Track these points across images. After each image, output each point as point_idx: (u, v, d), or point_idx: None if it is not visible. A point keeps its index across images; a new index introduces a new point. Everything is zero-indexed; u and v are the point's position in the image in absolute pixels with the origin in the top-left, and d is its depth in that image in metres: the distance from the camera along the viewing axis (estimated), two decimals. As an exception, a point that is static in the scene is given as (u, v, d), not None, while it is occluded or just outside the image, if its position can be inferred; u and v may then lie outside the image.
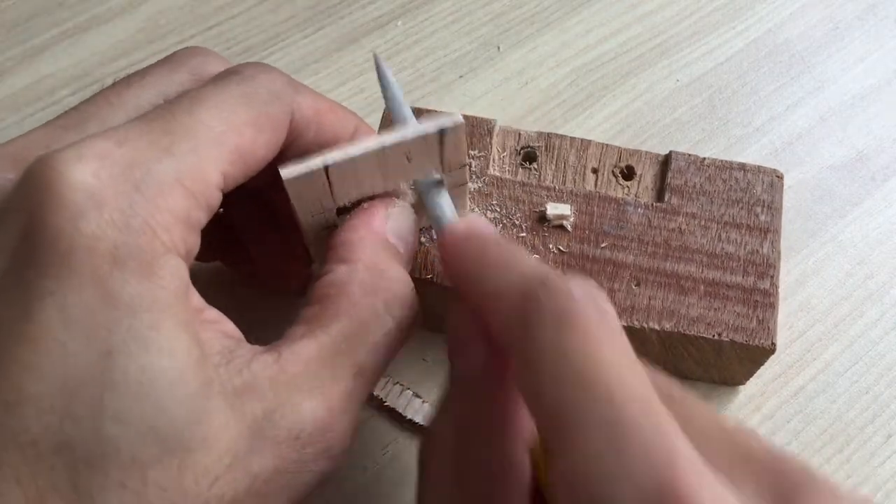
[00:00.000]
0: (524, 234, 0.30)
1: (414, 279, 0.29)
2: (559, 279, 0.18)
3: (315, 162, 0.23)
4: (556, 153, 0.32)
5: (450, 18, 0.41)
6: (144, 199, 0.18)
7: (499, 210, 0.30)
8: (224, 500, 0.18)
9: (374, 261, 0.23)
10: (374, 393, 0.31)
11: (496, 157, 0.32)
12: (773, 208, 0.31)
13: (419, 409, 0.31)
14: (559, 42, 0.41)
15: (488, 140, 0.32)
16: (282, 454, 0.19)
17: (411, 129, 0.24)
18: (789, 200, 0.32)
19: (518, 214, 0.30)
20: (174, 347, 0.18)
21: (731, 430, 0.19)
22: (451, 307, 0.21)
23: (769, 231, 0.30)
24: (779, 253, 0.30)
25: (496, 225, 0.30)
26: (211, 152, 0.20)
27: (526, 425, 0.19)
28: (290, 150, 0.24)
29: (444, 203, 0.25)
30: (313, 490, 0.21)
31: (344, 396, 0.20)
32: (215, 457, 0.18)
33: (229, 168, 0.21)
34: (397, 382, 0.32)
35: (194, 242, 0.20)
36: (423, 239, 0.29)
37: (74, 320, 0.17)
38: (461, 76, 0.40)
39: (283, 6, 0.41)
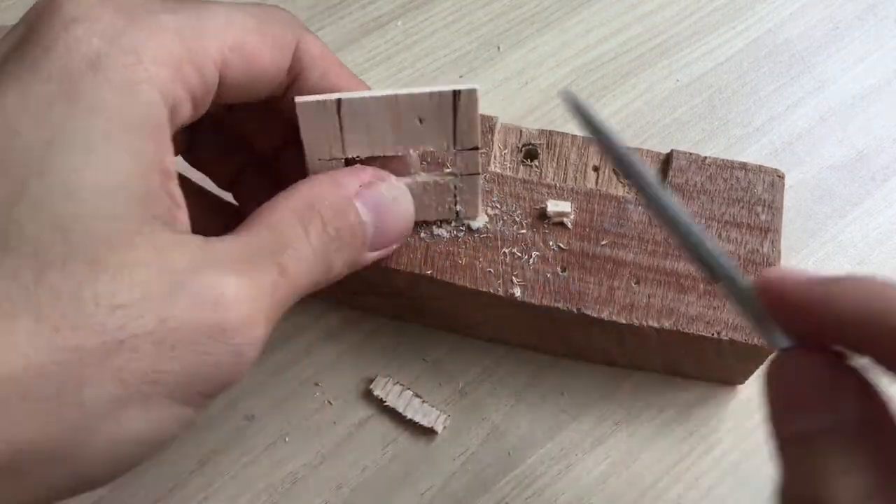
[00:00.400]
0: (524, 231, 0.30)
1: (413, 275, 0.29)
2: None
3: (328, 96, 0.24)
4: (557, 151, 0.32)
5: (450, 18, 0.41)
6: (139, 29, 0.19)
7: (499, 207, 0.30)
8: (123, 330, 0.17)
9: (319, 202, 0.23)
10: (375, 393, 0.31)
11: (497, 154, 0.32)
12: (774, 208, 0.31)
13: (419, 409, 0.31)
14: (559, 42, 0.41)
15: (490, 137, 0.32)
16: (197, 315, 0.18)
17: (427, 88, 0.25)
18: (789, 200, 0.32)
19: (518, 211, 0.30)
20: (119, 166, 0.18)
21: None
22: (793, 358, 0.19)
23: (769, 230, 0.30)
24: (779, 252, 0.30)
25: (496, 222, 0.30)
26: (213, 31, 0.21)
27: None
28: (296, 85, 0.24)
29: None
30: (208, 398, 0.20)
31: (267, 288, 0.20)
32: (124, 286, 0.18)
33: (229, 55, 0.21)
34: (397, 382, 0.32)
35: (183, 100, 0.20)
36: (422, 234, 0.29)
37: (31, 107, 0.17)
38: (461, 76, 0.40)
39: (283, 6, 0.41)
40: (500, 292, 0.29)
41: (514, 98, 0.39)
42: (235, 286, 0.19)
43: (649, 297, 0.29)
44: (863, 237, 0.36)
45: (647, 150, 0.32)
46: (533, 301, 0.29)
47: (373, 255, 0.25)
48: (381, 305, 0.32)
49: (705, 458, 0.31)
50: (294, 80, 0.24)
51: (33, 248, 0.17)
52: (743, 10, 0.42)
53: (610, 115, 0.39)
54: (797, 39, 0.41)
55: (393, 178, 0.26)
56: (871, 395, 0.18)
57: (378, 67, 0.39)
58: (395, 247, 0.27)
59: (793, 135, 0.38)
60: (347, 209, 0.23)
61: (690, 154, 0.31)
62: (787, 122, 0.39)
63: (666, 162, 0.32)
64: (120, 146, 0.18)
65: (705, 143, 0.38)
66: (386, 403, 0.31)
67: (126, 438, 0.18)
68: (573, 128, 0.33)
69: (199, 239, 0.20)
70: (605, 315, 0.29)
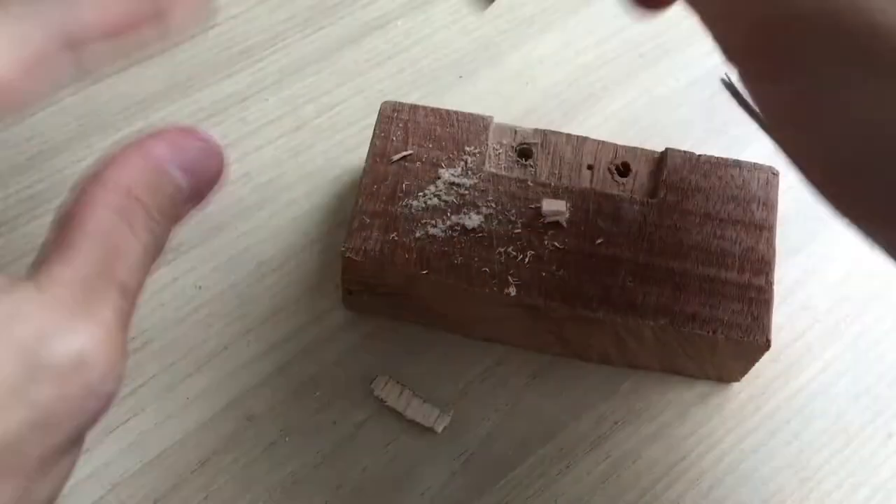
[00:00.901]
0: (519, 231, 0.30)
1: (409, 275, 0.29)
2: None
3: None
4: (551, 150, 0.32)
5: (450, 18, 0.41)
6: None
7: (494, 206, 0.30)
8: (3, 434, 0.16)
9: (135, 186, 0.20)
10: (375, 393, 0.31)
11: (492, 154, 0.32)
12: (769, 205, 0.31)
13: (419, 409, 0.31)
14: (559, 42, 0.41)
15: (484, 136, 0.32)
16: (65, 391, 0.17)
17: None
18: (789, 200, 0.32)
19: (513, 211, 0.30)
20: None
21: None
22: None
23: (764, 228, 0.30)
24: (774, 250, 0.30)
25: (491, 221, 0.30)
26: None
27: None
28: None
29: None
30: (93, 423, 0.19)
31: (115, 322, 0.19)
32: None
33: None
34: (397, 382, 0.32)
35: None
36: (418, 234, 0.29)
37: None
38: (461, 76, 0.40)
39: (284, 6, 0.41)
40: (496, 291, 0.29)
41: (514, 98, 0.39)
42: (89, 338, 0.18)
43: (645, 296, 0.29)
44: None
45: (642, 149, 0.32)
46: (529, 300, 0.29)
47: (188, 209, 0.22)
48: (379, 306, 0.32)
49: (705, 458, 0.31)
50: None
51: None
52: (743, 10, 0.42)
53: (610, 115, 0.39)
54: (797, 39, 0.41)
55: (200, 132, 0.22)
56: None
57: (378, 67, 0.40)
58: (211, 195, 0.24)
59: (793, 135, 0.38)
60: (164, 183, 0.21)
61: (685, 152, 0.32)
62: (787, 122, 0.39)
63: (660, 161, 0.32)
64: None
65: (705, 142, 0.38)
66: (386, 403, 0.31)
67: None
68: (572, 129, 0.34)
69: (30, 291, 0.18)
70: (601, 314, 0.29)
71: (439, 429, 0.31)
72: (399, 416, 0.31)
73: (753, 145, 0.38)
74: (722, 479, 0.31)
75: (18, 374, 0.17)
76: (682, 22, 0.42)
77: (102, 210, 0.19)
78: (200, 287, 0.34)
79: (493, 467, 0.31)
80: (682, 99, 0.39)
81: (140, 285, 0.20)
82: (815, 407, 0.32)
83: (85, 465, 0.30)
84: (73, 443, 0.18)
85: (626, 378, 0.32)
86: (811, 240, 0.36)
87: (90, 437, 0.31)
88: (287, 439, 0.31)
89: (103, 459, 0.30)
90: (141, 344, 0.33)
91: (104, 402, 0.18)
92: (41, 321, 0.17)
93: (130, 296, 0.19)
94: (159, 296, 0.34)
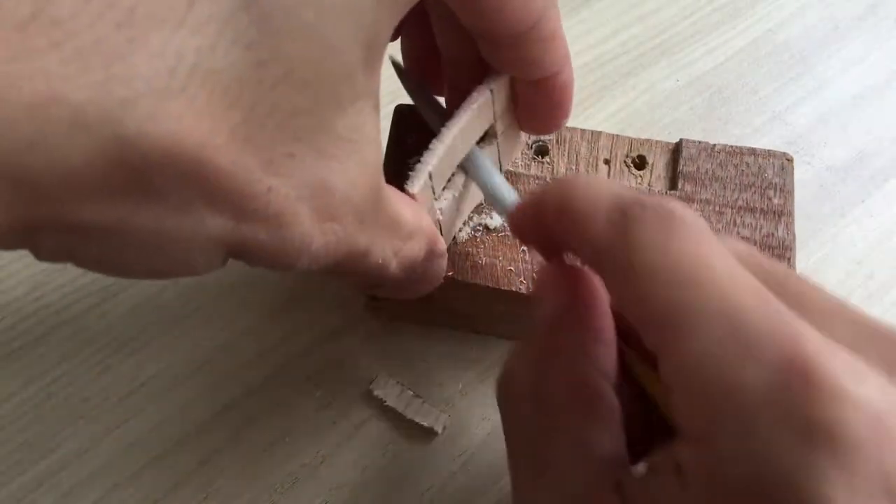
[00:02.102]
0: None
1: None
2: (652, 196, 0.18)
3: (423, 173, 0.24)
4: (567, 146, 0.32)
5: (450, 18, 0.41)
6: None
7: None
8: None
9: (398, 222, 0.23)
10: (375, 393, 0.31)
11: None
12: (786, 191, 0.31)
13: (419, 409, 0.31)
14: (559, 42, 0.41)
15: None
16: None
17: (468, 107, 0.25)
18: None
19: None
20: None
21: (851, 310, 0.19)
22: (539, 269, 0.23)
23: (783, 214, 0.30)
24: (794, 235, 0.30)
25: None
26: None
27: (606, 355, 0.20)
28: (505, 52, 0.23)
29: (500, 180, 0.26)
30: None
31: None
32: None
33: None
34: (397, 382, 0.32)
35: None
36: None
37: None
38: (461, 76, 0.40)
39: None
40: (523, 290, 0.29)
41: (514, 98, 0.39)
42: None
43: None
44: (863, 237, 0.36)
45: (656, 141, 0.32)
46: None
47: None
48: (404, 311, 0.32)
49: (705, 458, 0.31)
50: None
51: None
52: (743, 10, 0.42)
53: (610, 114, 0.39)
54: (797, 39, 0.41)
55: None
56: (569, 290, 0.21)
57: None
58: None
59: (793, 135, 0.38)
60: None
61: (699, 142, 0.32)
62: (787, 122, 0.39)
63: (675, 151, 0.32)
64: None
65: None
66: (386, 403, 0.31)
67: None
68: (580, 122, 0.33)
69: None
70: None
71: (439, 429, 0.31)
72: (399, 416, 0.31)
73: (753, 145, 0.38)
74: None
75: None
76: (682, 22, 0.42)
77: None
78: (200, 287, 0.34)
79: (493, 467, 0.31)
80: (682, 99, 0.39)
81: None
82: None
83: (85, 465, 0.30)
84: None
85: (626, 378, 0.32)
86: (811, 240, 0.36)
87: (90, 437, 0.31)
88: (287, 439, 0.31)
89: (103, 459, 0.30)
90: (141, 344, 0.33)
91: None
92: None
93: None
94: (159, 296, 0.34)
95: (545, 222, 0.21)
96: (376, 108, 0.19)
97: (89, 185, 0.14)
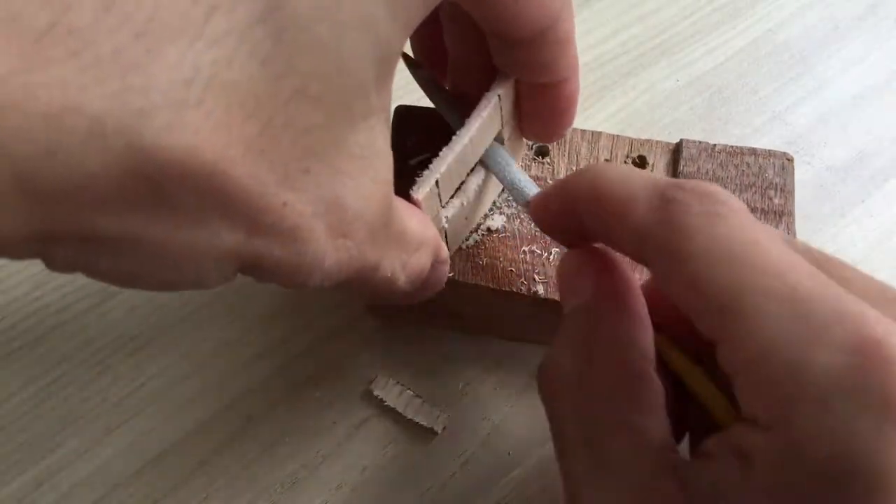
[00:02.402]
0: None
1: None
2: (690, 181, 0.18)
3: (429, 180, 0.24)
4: (567, 146, 0.32)
5: (450, 18, 0.41)
6: None
7: (515, 205, 0.30)
8: None
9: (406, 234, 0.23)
10: (375, 393, 0.31)
11: None
12: (786, 191, 0.31)
13: (419, 409, 0.31)
14: (559, 42, 0.41)
15: None
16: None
17: (477, 115, 0.25)
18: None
19: None
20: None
21: (893, 290, 0.19)
22: (564, 257, 0.23)
23: (784, 214, 0.30)
24: (795, 235, 0.30)
25: (514, 221, 0.30)
26: None
27: (647, 339, 0.20)
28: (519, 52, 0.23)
29: (518, 172, 0.26)
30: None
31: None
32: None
33: None
34: (397, 382, 0.32)
35: None
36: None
37: None
38: (461, 76, 0.40)
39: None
40: (523, 291, 0.29)
41: (514, 98, 0.39)
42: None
43: None
44: (863, 237, 0.36)
45: (657, 141, 0.32)
46: (556, 297, 0.29)
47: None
48: (405, 313, 0.32)
49: (705, 458, 0.31)
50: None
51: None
52: (743, 10, 0.42)
53: (610, 114, 0.39)
54: (797, 39, 0.41)
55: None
56: (603, 277, 0.21)
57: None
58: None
59: (793, 135, 0.38)
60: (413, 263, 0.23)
61: (700, 142, 0.32)
62: (787, 122, 0.39)
63: (676, 151, 0.32)
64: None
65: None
66: (386, 403, 0.31)
67: None
68: (580, 122, 0.33)
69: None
70: None
71: (439, 429, 0.31)
72: (399, 416, 0.31)
73: (753, 145, 0.38)
74: (722, 479, 0.31)
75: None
76: (682, 22, 0.42)
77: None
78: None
79: (493, 467, 0.31)
80: (682, 99, 0.39)
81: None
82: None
83: (85, 465, 0.30)
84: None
85: (626, 378, 0.33)
86: (811, 240, 0.36)
87: (90, 438, 0.31)
88: (287, 439, 0.31)
89: (103, 459, 0.30)
90: (141, 344, 0.33)
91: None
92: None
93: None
94: (159, 296, 0.34)
95: (572, 211, 0.21)
96: (387, 123, 0.19)
97: (105, 196, 0.14)
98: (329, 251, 0.18)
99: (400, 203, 0.22)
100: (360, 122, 0.18)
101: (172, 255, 0.16)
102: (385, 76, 0.18)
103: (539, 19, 0.22)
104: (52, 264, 0.16)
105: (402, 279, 0.22)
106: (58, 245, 0.15)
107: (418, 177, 0.24)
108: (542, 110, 0.26)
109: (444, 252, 0.24)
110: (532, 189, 0.26)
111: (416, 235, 0.22)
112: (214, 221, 0.16)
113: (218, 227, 0.16)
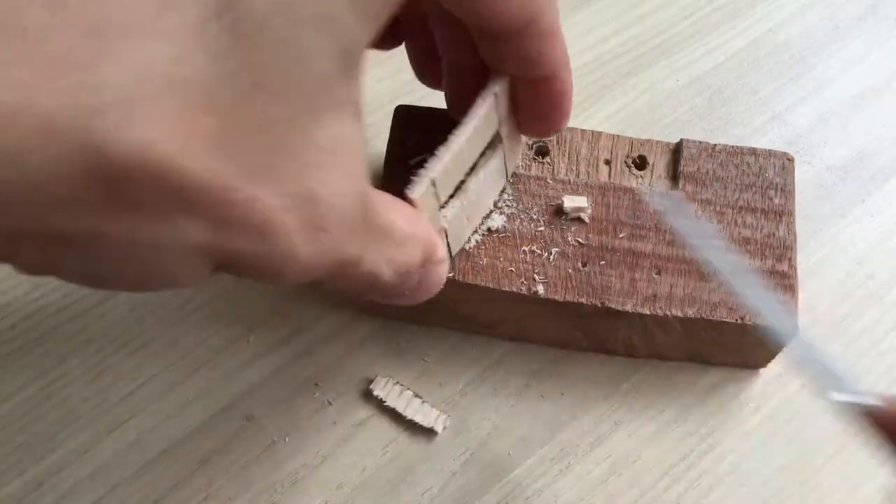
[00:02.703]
0: (542, 228, 0.30)
1: None
2: None
3: (426, 179, 0.24)
4: (567, 146, 0.32)
5: (450, 18, 0.41)
6: None
7: (515, 205, 0.30)
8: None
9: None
10: (375, 393, 0.31)
11: None
12: (786, 191, 0.31)
13: (419, 409, 0.31)
14: (559, 42, 0.41)
15: None
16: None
17: (475, 113, 0.25)
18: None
19: (535, 209, 0.30)
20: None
21: None
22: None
23: (784, 213, 0.30)
24: (795, 235, 0.30)
25: (514, 221, 0.30)
26: None
27: None
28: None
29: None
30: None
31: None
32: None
33: None
34: (397, 382, 0.32)
35: None
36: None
37: None
38: (461, 76, 0.40)
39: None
40: (524, 291, 0.29)
41: (514, 98, 0.39)
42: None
43: (671, 287, 0.29)
44: (863, 237, 0.36)
45: (657, 141, 0.32)
46: (556, 297, 0.29)
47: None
48: (403, 312, 0.32)
49: (705, 458, 0.31)
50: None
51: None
52: (743, 10, 0.42)
53: (610, 114, 0.39)
54: (797, 39, 0.41)
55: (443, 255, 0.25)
56: None
57: (378, 68, 0.39)
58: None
59: (793, 135, 0.38)
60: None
61: (700, 142, 0.32)
62: (787, 122, 0.39)
63: (676, 151, 0.32)
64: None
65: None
66: (386, 403, 0.31)
67: None
68: (580, 122, 0.33)
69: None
70: (628, 307, 0.29)
71: (439, 429, 0.31)
72: (399, 416, 0.31)
73: (753, 145, 0.38)
74: (722, 479, 0.31)
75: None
76: (682, 22, 0.42)
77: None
78: (200, 286, 0.34)
79: (493, 467, 0.31)
80: (682, 99, 0.39)
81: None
82: (815, 407, 0.32)
83: (85, 465, 0.30)
84: None
85: (626, 378, 0.32)
86: (811, 240, 0.36)
87: (90, 438, 0.31)
88: (287, 439, 0.31)
89: (103, 459, 0.30)
90: (141, 344, 0.33)
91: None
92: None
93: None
94: (159, 296, 0.34)
95: None
96: (356, 116, 0.19)
97: (62, 195, 0.14)
98: (302, 245, 0.18)
99: (382, 197, 0.21)
100: (326, 115, 0.17)
101: (138, 253, 0.16)
102: (350, 69, 0.18)
103: (520, 13, 0.22)
104: (22, 268, 0.16)
105: (387, 274, 0.22)
106: (20, 245, 0.15)
107: (417, 177, 0.24)
108: (536, 105, 0.26)
109: (441, 252, 0.24)
110: (855, 383, 0.22)
111: (401, 230, 0.22)
112: (177, 217, 0.16)
113: (182, 222, 0.16)
